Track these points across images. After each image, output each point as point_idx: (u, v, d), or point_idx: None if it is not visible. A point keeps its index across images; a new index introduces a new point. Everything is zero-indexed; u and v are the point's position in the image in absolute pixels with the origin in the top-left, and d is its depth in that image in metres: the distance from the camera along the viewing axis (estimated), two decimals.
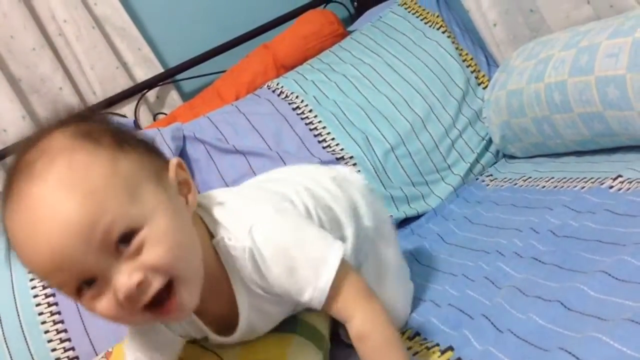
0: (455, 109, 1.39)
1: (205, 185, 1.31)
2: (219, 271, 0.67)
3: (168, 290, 0.59)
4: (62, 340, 1.07)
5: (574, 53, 1.07)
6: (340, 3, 1.93)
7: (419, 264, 1.03)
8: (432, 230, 1.17)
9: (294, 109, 1.41)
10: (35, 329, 1.07)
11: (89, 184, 0.55)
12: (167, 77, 1.71)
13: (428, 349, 0.75)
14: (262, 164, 1.29)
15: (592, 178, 1.01)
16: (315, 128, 1.37)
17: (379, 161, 1.30)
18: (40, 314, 1.08)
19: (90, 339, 1.07)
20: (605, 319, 0.61)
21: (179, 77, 1.74)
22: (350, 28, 1.75)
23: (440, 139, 1.36)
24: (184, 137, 1.36)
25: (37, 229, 0.54)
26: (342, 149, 1.32)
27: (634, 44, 0.95)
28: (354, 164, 1.28)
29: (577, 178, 1.05)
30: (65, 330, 1.07)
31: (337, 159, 1.29)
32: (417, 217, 1.27)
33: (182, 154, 1.35)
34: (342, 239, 0.78)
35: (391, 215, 1.19)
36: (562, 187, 1.05)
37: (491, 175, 1.31)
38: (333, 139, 1.35)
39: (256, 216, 0.67)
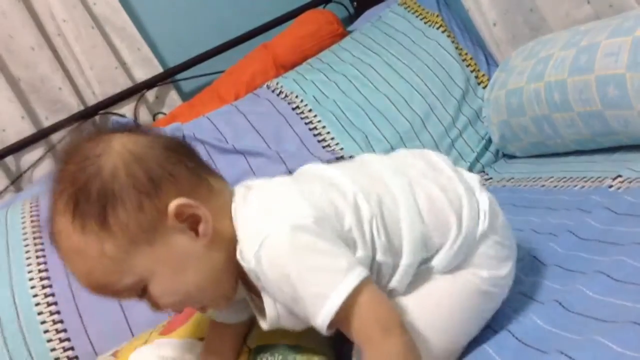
0: (455, 108, 1.39)
1: None
2: None
3: None
4: (61, 340, 1.07)
5: (573, 52, 1.07)
6: (340, 3, 1.93)
7: None
8: None
9: (293, 109, 1.41)
10: (34, 328, 1.07)
11: (87, 266, 0.63)
12: (167, 77, 1.71)
13: None
14: (261, 164, 1.29)
15: (592, 177, 1.01)
16: (315, 128, 1.37)
17: None
18: (40, 313, 1.08)
19: (89, 339, 1.07)
20: (604, 320, 0.61)
21: (178, 77, 1.74)
22: (349, 28, 1.75)
23: (440, 139, 1.36)
24: (184, 137, 1.36)
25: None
26: (341, 149, 1.32)
27: (634, 43, 0.95)
28: None
29: (577, 177, 1.05)
30: (64, 330, 1.07)
31: (337, 158, 1.29)
32: None
33: None
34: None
35: None
36: (562, 186, 1.05)
37: (491, 177, 1.31)
38: (333, 138, 1.35)
39: (268, 232, 0.61)
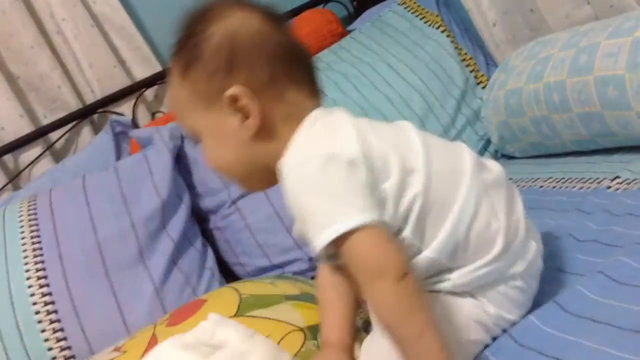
0: (454, 108, 1.39)
1: (205, 185, 1.31)
2: None
3: None
4: (58, 340, 1.06)
5: (573, 53, 1.07)
6: (340, 2, 1.92)
7: None
8: None
9: None
10: (31, 328, 1.06)
11: (172, 101, 0.75)
12: (166, 75, 1.70)
13: None
14: None
15: (590, 178, 1.01)
16: None
17: None
18: (37, 312, 1.07)
19: (87, 338, 1.07)
20: (600, 321, 0.61)
21: None
22: (349, 27, 1.74)
23: None
24: (182, 136, 1.36)
25: None
26: None
27: (634, 44, 0.95)
28: None
29: (576, 178, 1.05)
30: (61, 329, 1.07)
31: None
32: None
33: (181, 153, 1.34)
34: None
35: None
36: (561, 187, 1.05)
37: None
38: None
39: (306, 155, 0.65)
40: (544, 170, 1.18)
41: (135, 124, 1.61)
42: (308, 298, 0.87)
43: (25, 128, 1.54)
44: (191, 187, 1.32)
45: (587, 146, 1.13)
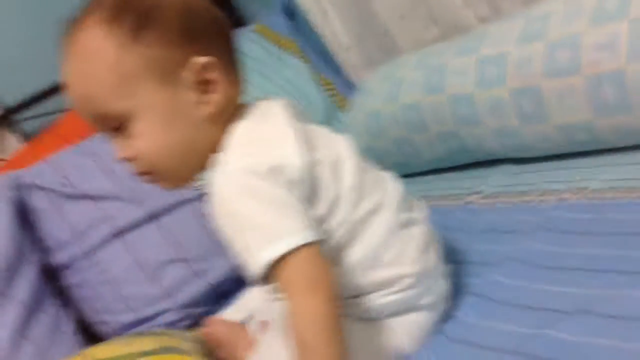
0: None
1: (55, 239, 1.17)
2: None
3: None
4: None
5: (424, 73, 1.09)
6: None
7: None
8: None
9: None
10: None
11: (92, 71, 0.62)
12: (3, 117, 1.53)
13: None
14: (115, 207, 1.17)
15: (451, 195, 1.03)
16: None
17: None
18: None
19: None
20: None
21: (17, 117, 1.57)
22: None
23: None
24: (24, 186, 1.21)
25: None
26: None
27: (480, 62, 0.98)
28: None
29: (438, 196, 1.06)
30: None
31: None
32: None
33: (24, 205, 1.19)
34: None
35: None
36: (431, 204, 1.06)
37: None
38: None
39: (234, 166, 0.61)
40: (410, 189, 1.19)
41: None
42: (167, 351, 0.80)
43: None
44: (37, 242, 1.17)
45: (446, 164, 1.15)
